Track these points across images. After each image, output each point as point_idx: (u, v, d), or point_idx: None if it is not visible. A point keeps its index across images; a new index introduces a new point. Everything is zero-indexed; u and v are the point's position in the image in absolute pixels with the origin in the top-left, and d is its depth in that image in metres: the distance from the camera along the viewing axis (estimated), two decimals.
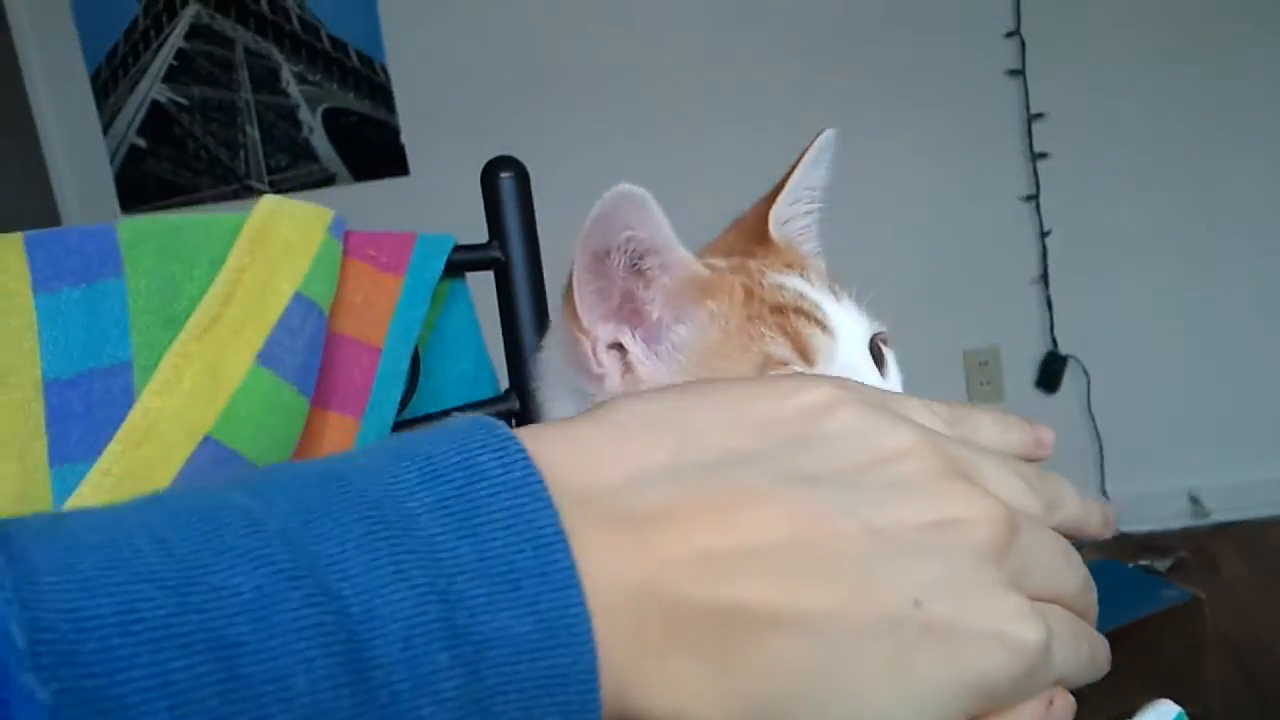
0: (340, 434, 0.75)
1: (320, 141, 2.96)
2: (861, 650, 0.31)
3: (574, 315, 0.47)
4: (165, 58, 2.94)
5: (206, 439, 0.68)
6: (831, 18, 2.82)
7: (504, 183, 0.83)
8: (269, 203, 0.75)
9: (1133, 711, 0.48)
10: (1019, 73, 2.78)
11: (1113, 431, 2.90)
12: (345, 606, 0.26)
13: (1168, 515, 2.90)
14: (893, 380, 0.49)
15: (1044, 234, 2.85)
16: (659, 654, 0.30)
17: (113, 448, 0.66)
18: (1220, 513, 2.87)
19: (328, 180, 2.97)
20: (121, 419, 0.67)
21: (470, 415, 0.32)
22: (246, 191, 2.98)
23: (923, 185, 2.87)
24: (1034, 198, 2.84)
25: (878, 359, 0.49)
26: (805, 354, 0.44)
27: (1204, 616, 2.02)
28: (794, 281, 0.47)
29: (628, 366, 0.47)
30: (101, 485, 0.66)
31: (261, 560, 0.26)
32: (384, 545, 0.27)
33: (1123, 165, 2.82)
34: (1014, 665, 0.33)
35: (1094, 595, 0.38)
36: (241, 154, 2.98)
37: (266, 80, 2.94)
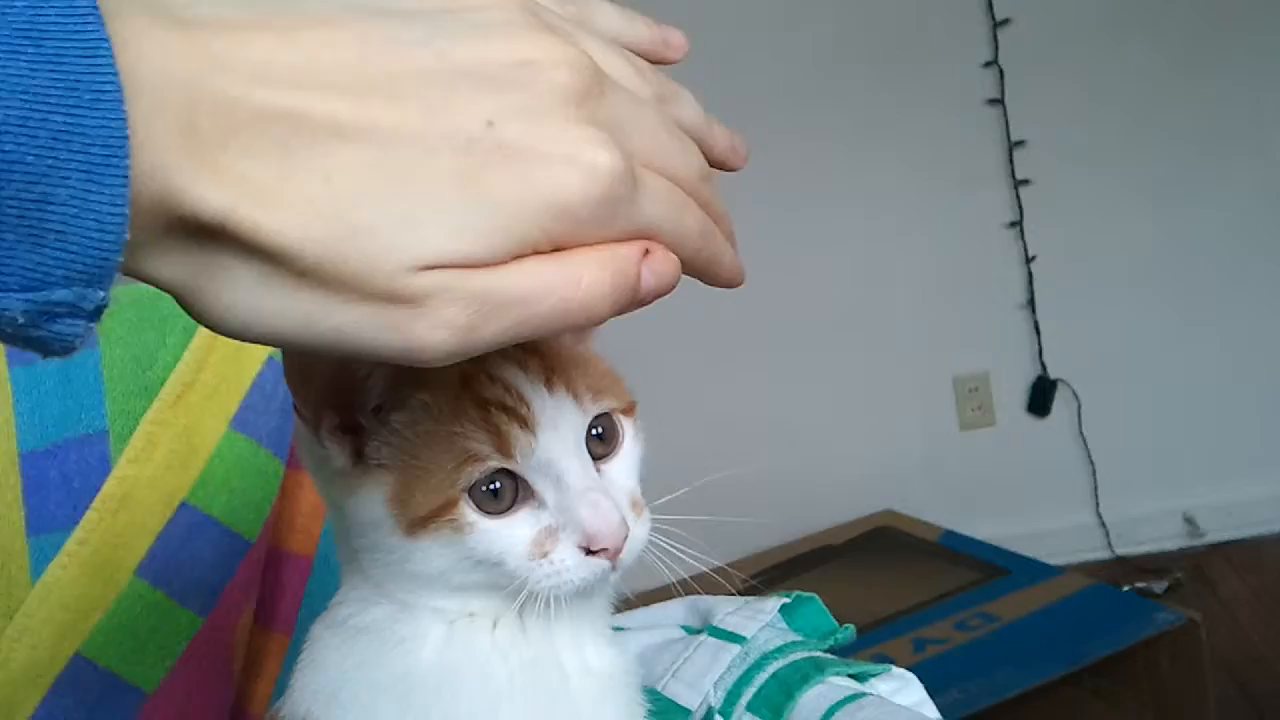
0: (315, 494, 0.75)
1: None
2: (431, 161, 0.32)
3: (297, 410, 0.48)
4: None
5: (183, 505, 0.68)
6: (811, 53, 2.84)
7: None
8: None
9: None
10: (998, 101, 2.80)
11: (1105, 454, 2.90)
12: None
13: (1163, 537, 2.90)
14: (621, 459, 0.50)
15: (1029, 259, 2.86)
16: (211, 150, 0.30)
17: (89, 516, 0.67)
18: (1216, 532, 2.87)
19: None
20: (98, 487, 0.68)
21: None
22: None
23: (907, 215, 2.88)
24: (1018, 224, 2.85)
25: (609, 435, 0.49)
26: (504, 450, 0.45)
27: (1201, 638, 2.03)
28: (509, 371, 0.47)
29: (356, 450, 0.48)
30: (78, 554, 0.66)
31: None
32: None
33: (1105, 189, 2.84)
34: (589, 189, 0.33)
35: (712, 191, 0.39)
36: None
37: None
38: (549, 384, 0.48)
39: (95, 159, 0.28)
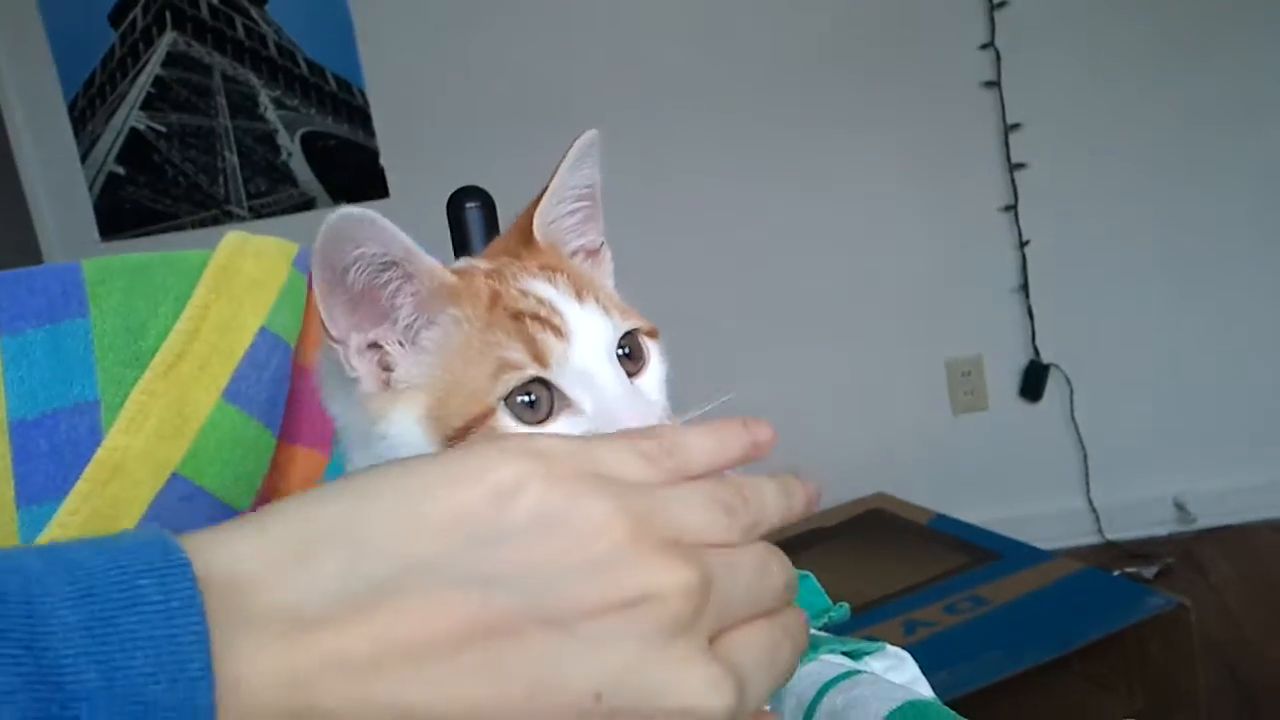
0: (308, 468, 0.75)
1: (299, 165, 2.96)
2: None
3: (325, 328, 0.49)
4: (143, 85, 2.94)
5: (174, 476, 0.67)
6: (807, 35, 2.83)
7: (469, 213, 0.83)
8: (233, 239, 0.75)
9: None
10: (994, 84, 2.80)
11: (1096, 439, 2.91)
12: None
13: (1153, 522, 2.90)
14: (649, 375, 0.51)
15: (1023, 244, 2.86)
16: None
17: (80, 487, 0.66)
18: (1206, 518, 2.87)
19: (307, 204, 2.97)
20: (88, 458, 0.67)
21: (150, 529, 0.31)
22: (226, 217, 2.98)
23: (902, 198, 2.88)
24: (1013, 208, 2.85)
25: (636, 353, 0.50)
26: (539, 358, 0.46)
27: (1191, 623, 2.03)
28: (538, 286, 0.49)
29: (384, 367, 0.49)
30: (69, 525, 0.66)
31: None
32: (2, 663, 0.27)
33: (1100, 174, 2.83)
34: None
35: (793, 589, 0.38)
36: (221, 179, 2.98)
37: (244, 106, 2.94)
38: (579, 297, 0.49)
39: None
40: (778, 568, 0.38)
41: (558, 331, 0.47)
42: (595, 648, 0.32)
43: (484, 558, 0.32)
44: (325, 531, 0.32)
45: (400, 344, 0.49)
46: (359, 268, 0.47)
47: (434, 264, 0.49)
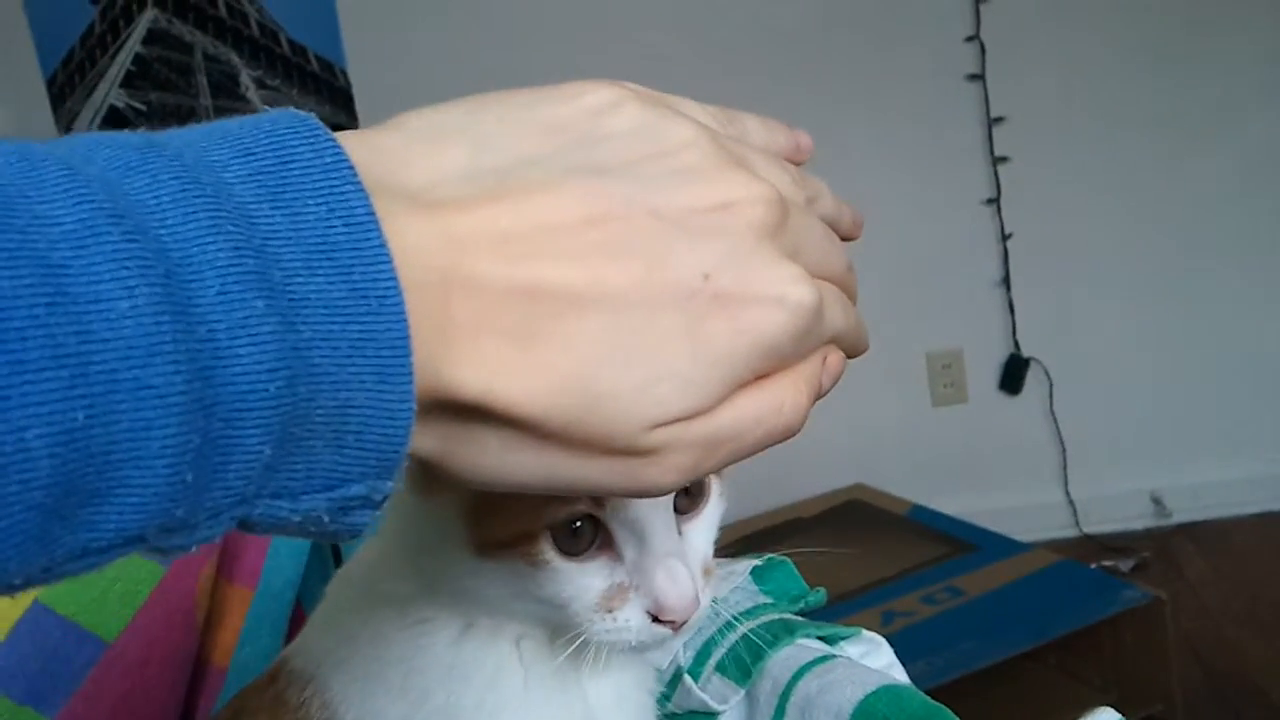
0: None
1: None
2: (657, 320, 0.34)
3: None
4: (122, 63, 2.91)
5: None
6: (792, 24, 2.83)
7: None
8: None
9: None
10: (979, 77, 2.80)
11: (1075, 433, 2.92)
12: (164, 248, 0.27)
13: (1130, 516, 2.92)
14: (704, 520, 0.49)
15: (1005, 237, 2.86)
16: (468, 333, 0.32)
17: None
18: (1182, 513, 2.89)
19: None
20: None
21: (279, 109, 0.33)
22: None
23: (884, 189, 2.88)
24: (995, 201, 2.85)
25: (697, 490, 0.49)
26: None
27: (1166, 617, 2.04)
28: None
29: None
30: None
31: (82, 198, 0.27)
32: (200, 203, 0.28)
33: (1083, 168, 2.84)
34: (794, 324, 0.36)
35: (855, 277, 0.42)
36: None
37: (225, 85, 2.92)
38: None
39: (386, 362, 0.30)
40: (840, 247, 0.42)
41: None
42: (697, 235, 0.35)
43: (591, 154, 0.36)
44: (451, 129, 0.35)
45: None
46: None
47: None
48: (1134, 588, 2.09)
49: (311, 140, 0.31)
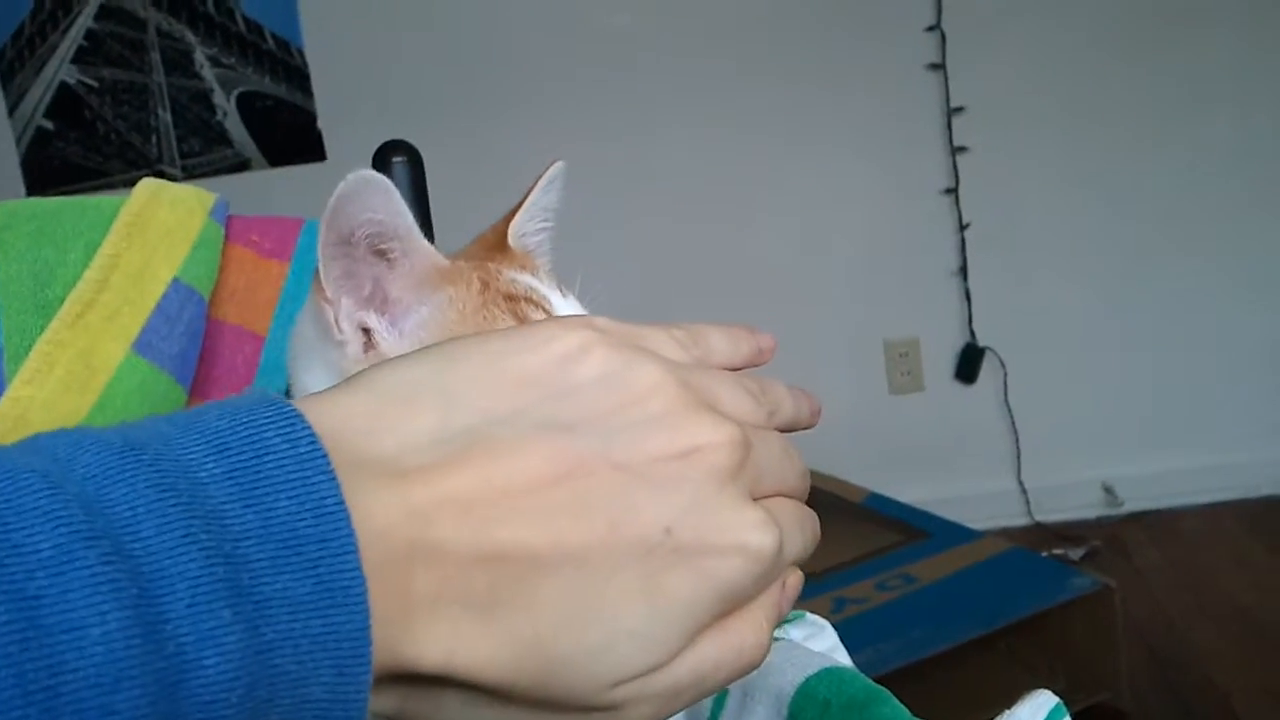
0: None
1: (235, 126, 2.90)
2: (617, 578, 0.34)
3: (319, 287, 0.51)
4: (74, 38, 2.86)
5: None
6: (754, 13, 2.82)
7: (396, 168, 0.81)
8: (148, 186, 0.72)
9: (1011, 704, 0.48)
10: (939, 66, 2.80)
11: (1028, 422, 2.94)
12: (137, 566, 0.28)
13: (1082, 505, 2.95)
14: None
15: (963, 227, 2.88)
16: (428, 606, 0.32)
17: None
18: (1133, 502, 2.92)
19: (242, 165, 2.91)
20: None
21: (257, 391, 0.33)
22: (159, 176, 2.91)
23: (843, 178, 2.88)
24: (953, 191, 2.86)
25: None
26: None
27: (1115, 604, 2.06)
28: (525, 278, 0.55)
29: (370, 342, 0.52)
30: None
31: (60, 521, 0.27)
32: (175, 512, 0.29)
33: (1041, 159, 2.85)
34: (755, 569, 0.37)
35: (808, 480, 0.43)
36: (154, 138, 2.91)
37: (179, 62, 2.88)
38: (561, 290, 0.55)
39: (345, 656, 0.30)
40: (796, 456, 0.42)
41: (548, 314, 0.51)
42: (661, 488, 0.36)
43: (559, 409, 0.36)
44: (421, 389, 0.36)
45: (389, 320, 0.52)
46: (364, 232, 0.49)
47: (430, 246, 0.52)
48: (1084, 575, 2.11)
49: (287, 430, 0.31)
